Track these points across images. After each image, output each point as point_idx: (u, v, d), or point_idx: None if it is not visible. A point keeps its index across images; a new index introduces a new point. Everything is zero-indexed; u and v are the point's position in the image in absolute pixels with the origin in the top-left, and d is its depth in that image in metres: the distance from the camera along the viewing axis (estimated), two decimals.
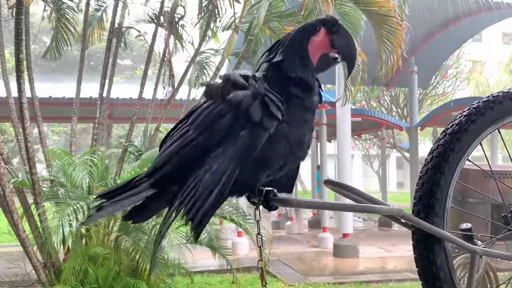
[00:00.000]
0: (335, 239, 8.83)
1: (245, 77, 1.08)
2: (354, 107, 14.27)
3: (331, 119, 10.14)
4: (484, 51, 26.13)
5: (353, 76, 6.28)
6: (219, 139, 1.04)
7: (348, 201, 1.31)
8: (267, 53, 1.15)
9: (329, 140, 13.46)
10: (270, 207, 1.14)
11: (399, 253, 8.94)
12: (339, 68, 7.97)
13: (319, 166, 12.04)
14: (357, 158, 28.64)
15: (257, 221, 1.04)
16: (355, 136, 17.78)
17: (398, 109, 17.68)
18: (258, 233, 1.03)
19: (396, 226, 12.39)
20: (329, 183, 1.33)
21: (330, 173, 13.68)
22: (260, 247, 1.07)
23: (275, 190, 1.16)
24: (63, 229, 3.81)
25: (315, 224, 12.44)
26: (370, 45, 6.55)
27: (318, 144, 12.32)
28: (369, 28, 6.29)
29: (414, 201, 1.25)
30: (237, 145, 1.00)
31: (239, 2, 6.02)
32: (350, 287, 6.61)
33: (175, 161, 1.09)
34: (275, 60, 1.10)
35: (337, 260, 8.26)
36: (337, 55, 1.11)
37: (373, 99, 18.10)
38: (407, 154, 16.86)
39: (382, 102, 18.21)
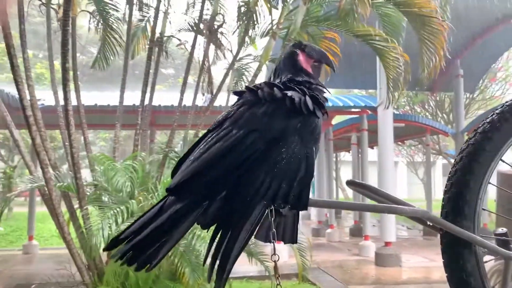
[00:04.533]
0: (377, 248, 8.62)
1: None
2: (397, 113, 13.92)
3: (373, 125, 9.94)
4: None
5: (395, 79, 6.14)
6: (276, 134, 1.04)
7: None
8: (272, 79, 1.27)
9: (371, 147, 13.19)
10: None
11: None
12: (380, 73, 7.83)
13: None
14: (402, 165, 27.90)
15: (271, 220, 1.05)
16: (399, 142, 17.32)
17: (444, 114, 17.10)
18: (270, 229, 1.05)
19: None
20: (352, 183, 1.30)
21: (373, 180, 13.38)
22: (273, 242, 1.10)
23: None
24: (103, 232, 3.93)
25: (357, 232, 12.22)
26: (414, 48, 6.39)
27: (359, 150, 12.11)
28: (411, 30, 6.13)
29: (442, 203, 1.20)
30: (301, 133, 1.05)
31: (277, 9, 6.05)
32: None
33: (222, 166, 1.02)
34: (284, 79, 1.22)
35: (379, 269, 8.06)
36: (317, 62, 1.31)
37: (417, 104, 17.60)
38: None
39: (426, 107, 17.67)
